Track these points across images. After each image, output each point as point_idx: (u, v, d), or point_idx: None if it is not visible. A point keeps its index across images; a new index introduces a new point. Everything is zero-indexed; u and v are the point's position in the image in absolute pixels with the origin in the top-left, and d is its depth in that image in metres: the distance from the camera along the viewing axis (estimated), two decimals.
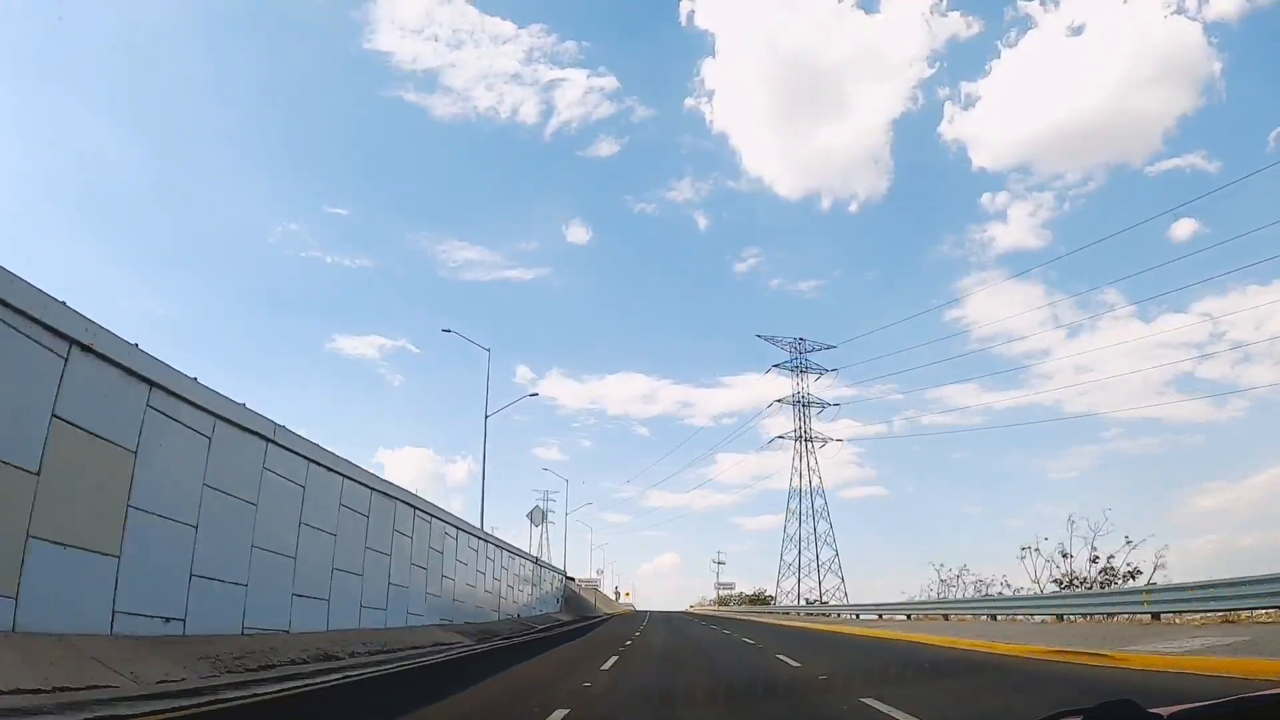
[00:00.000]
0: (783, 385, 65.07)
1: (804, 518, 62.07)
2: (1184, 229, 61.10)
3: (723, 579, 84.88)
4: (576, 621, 39.09)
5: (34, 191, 69.82)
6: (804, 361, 65.73)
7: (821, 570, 60.68)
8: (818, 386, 65.44)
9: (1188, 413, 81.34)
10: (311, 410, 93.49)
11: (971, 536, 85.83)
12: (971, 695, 7.84)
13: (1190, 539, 79.75)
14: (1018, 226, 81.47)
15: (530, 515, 38.56)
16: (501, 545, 30.03)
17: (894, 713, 5.80)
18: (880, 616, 32.28)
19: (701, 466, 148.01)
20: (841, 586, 59.42)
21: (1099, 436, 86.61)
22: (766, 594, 72.23)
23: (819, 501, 62.76)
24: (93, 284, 71.03)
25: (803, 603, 57.04)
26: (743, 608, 70.87)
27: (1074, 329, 77.45)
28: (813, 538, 61.75)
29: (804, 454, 63.72)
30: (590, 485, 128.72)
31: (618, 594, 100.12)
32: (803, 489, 62.65)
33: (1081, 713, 1.27)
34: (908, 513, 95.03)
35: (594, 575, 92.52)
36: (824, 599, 58.72)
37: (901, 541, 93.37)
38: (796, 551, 61.16)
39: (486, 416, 28.91)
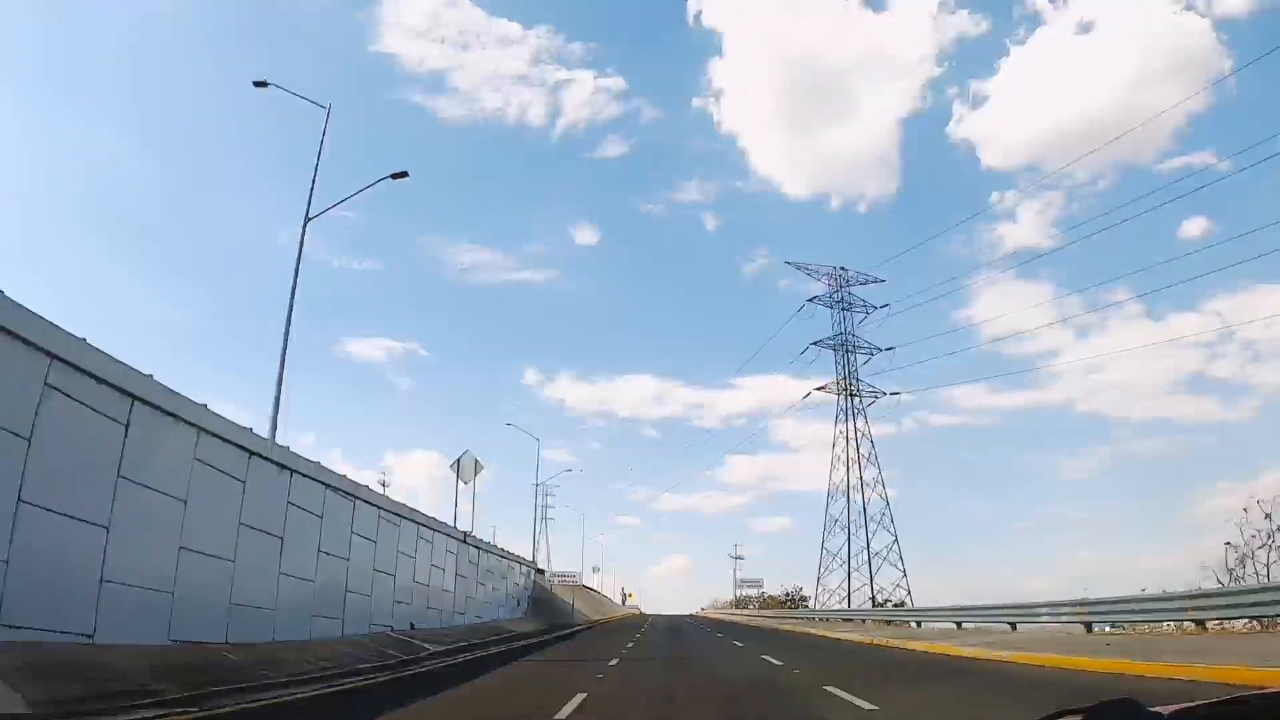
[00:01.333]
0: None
1: (851, 494, 47.70)
2: (1194, 227, 58.95)
3: (744, 576, 69.94)
4: (531, 636, 25.00)
5: (40, 199, 67.57)
6: (847, 295, 51.56)
7: (875, 561, 46.25)
8: (864, 329, 51.31)
9: (1198, 412, 79.69)
10: (320, 415, 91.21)
11: (981, 538, 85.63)
12: None
13: (1199, 541, 73.73)
14: (1027, 225, 77.46)
15: (456, 465, 24.53)
16: (354, 493, 15.91)
17: None
18: (1014, 628, 18.29)
19: (711, 469, 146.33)
20: (902, 582, 45.01)
21: (1109, 437, 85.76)
22: (803, 593, 58.07)
23: (870, 473, 48.40)
24: (99, 290, 70.06)
25: (864, 604, 42.54)
26: (770, 612, 56.27)
27: (1084, 329, 75.87)
28: (862, 520, 47.39)
29: (849, 411, 49.42)
30: (599, 488, 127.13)
31: (625, 596, 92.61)
32: (849, 456, 48.28)
33: (1082, 711, 1.26)
34: (919, 514, 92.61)
35: (591, 570, 78.56)
36: (878, 596, 44.41)
37: (913, 543, 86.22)
38: (845, 538, 46.74)
39: (307, 219, 14.91)
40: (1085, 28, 78.94)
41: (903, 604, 40.20)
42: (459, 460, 24.56)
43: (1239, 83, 64.12)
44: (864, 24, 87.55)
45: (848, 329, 50.69)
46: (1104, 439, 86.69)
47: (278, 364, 14.08)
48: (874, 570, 46.03)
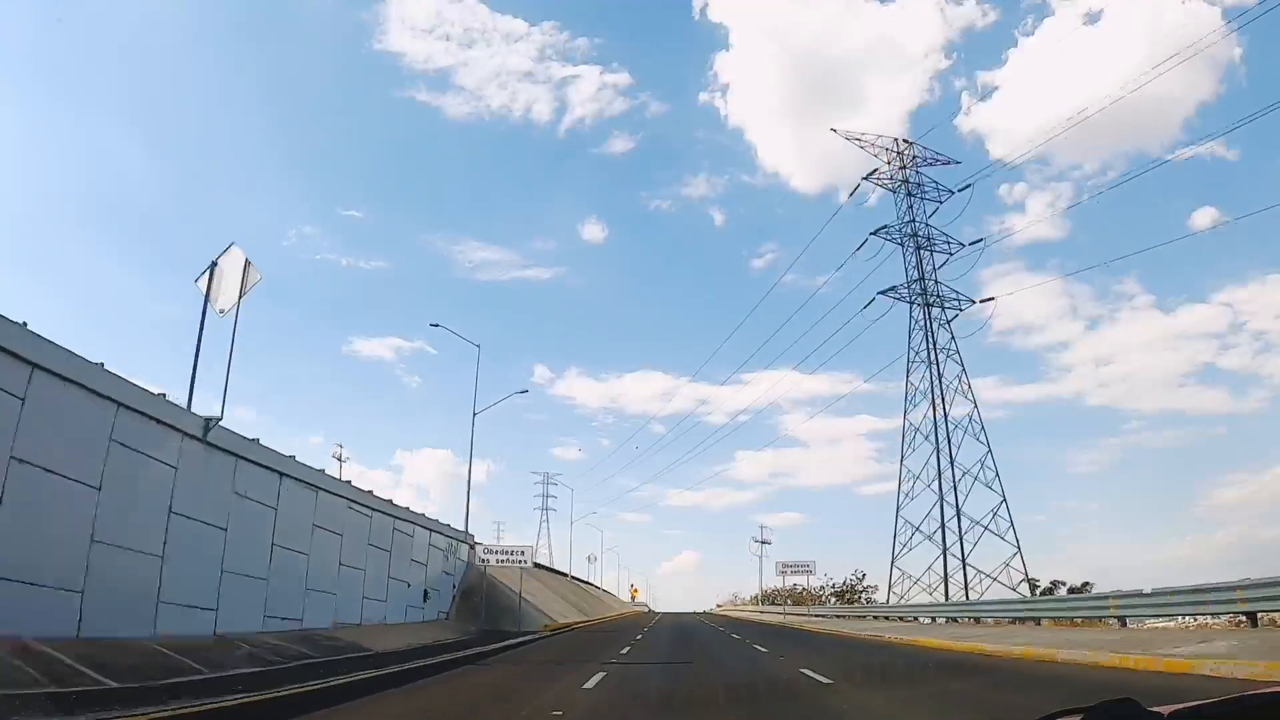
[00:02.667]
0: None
1: (939, 439, 33.76)
2: (1204, 217, 57.47)
3: (786, 561, 55.83)
4: (349, 669, 11.35)
5: (47, 200, 65.32)
6: (914, 176, 37.77)
7: (970, 536, 32.36)
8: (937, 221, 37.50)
9: (1209, 404, 77.54)
10: (329, 414, 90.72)
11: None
12: None
13: (1211, 532, 76.00)
14: (1036, 217, 70.58)
15: (208, 275, 11.16)
16: None
17: None
18: None
19: (721, 464, 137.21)
20: (1016, 562, 31.07)
21: (1120, 429, 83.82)
22: (865, 583, 44.38)
23: (960, 407, 34.51)
24: (107, 289, 67.61)
25: (958, 596, 28.46)
26: (806, 610, 42.26)
27: (1093, 320, 74.62)
28: (950, 475, 33.50)
29: (927, 325, 35.49)
30: (608, 484, 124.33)
31: (635, 593, 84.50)
32: (933, 383, 34.39)
33: (1082, 711, 1.25)
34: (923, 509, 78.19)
35: (586, 560, 64.86)
36: (974, 582, 30.59)
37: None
38: (937, 502, 32.83)
39: None
40: (1093, 17, 74.35)
41: (1086, 586, 26.21)
42: (213, 265, 10.94)
43: (1248, 70, 63.83)
44: (871, 16, 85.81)
45: (919, 216, 36.91)
46: (1114, 431, 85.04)
47: None
48: (969, 544, 32.15)
